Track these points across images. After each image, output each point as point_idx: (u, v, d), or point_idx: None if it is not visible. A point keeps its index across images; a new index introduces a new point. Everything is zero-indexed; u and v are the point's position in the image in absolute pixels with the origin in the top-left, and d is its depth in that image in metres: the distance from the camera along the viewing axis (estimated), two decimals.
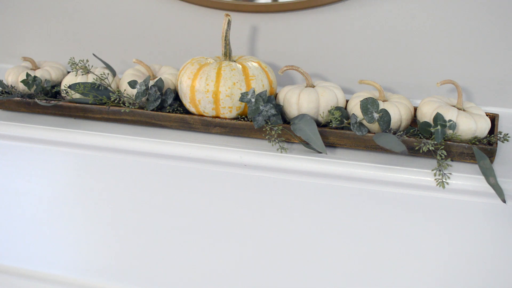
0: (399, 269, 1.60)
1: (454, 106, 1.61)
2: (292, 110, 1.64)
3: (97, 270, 1.92)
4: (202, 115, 1.70)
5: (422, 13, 1.77)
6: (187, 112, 1.74)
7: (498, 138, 1.58)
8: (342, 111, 1.60)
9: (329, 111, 1.61)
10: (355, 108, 1.60)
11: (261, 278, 1.73)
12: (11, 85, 1.86)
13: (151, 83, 1.75)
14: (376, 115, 1.54)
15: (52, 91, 1.86)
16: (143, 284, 1.89)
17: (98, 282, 1.95)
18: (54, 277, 1.98)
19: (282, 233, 1.66)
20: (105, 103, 1.77)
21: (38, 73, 1.86)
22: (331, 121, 1.60)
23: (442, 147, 1.52)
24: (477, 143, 1.53)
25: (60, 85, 1.87)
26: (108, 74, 1.82)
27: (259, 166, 1.60)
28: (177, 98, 1.77)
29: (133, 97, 1.74)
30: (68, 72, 1.93)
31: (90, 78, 1.80)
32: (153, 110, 1.73)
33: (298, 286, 1.72)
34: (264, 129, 1.63)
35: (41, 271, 1.99)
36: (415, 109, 1.69)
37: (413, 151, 1.55)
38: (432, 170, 1.49)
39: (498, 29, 1.73)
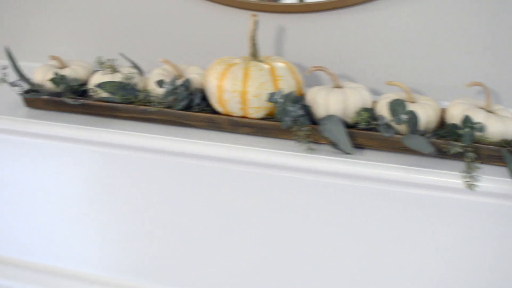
0: (429, 271, 1.60)
1: (482, 108, 1.60)
2: (319, 111, 1.64)
3: (123, 268, 1.93)
4: (230, 115, 1.70)
5: (450, 14, 1.76)
6: (214, 112, 1.75)
7: None
8: (370, 112, 1.60)
9: (357, 112, 1.60)
10: (383, 110, 1.60)
11: (290, 279, 1.74)
12: (39, 84, 1.87)
13: (179, 82, 1.75)
14: (404, 117, 1.54)
15: (79, 89, 1.87)
16: (166, 282, 1.90)
17: (124, 280, 1.96)
18: (81, 274, 2.00)
19: (309, 234, 1.66)
20: (132, 102, 1.77)
21: (66, 72, 1.87)
22: (358, 122, 1.60)
23: (471, 149, 1.51)
24: (506, 145, 1.52)
25: (87, 84, 1.87)
26: (135, 73, 1.83)
27: (287, 166, 1.60)
28: (204, 98, 1.77)
29: (161, 97, 1.75)
30: (96, 71, 1.93)
31: (117, 77, 1.80)
32: (180, 109, 1.73)
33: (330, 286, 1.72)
34: (291, 130, 1.63)
35: (68, 268, 2.01)
36: (443, 111, 1.68)
37: (441, 153, 1.55)
38: (461, 173, 1.48)
39: None
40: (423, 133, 1.56)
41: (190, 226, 1.77)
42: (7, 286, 2.09)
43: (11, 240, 2.03)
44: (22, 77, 1.86)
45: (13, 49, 2.17)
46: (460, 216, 1.52)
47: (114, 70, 1.80)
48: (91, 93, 1.82)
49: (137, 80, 1.81)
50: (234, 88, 1.64)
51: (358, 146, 1.61)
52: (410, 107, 1.58)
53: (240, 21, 1.96)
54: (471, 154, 1.49)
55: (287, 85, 1.65)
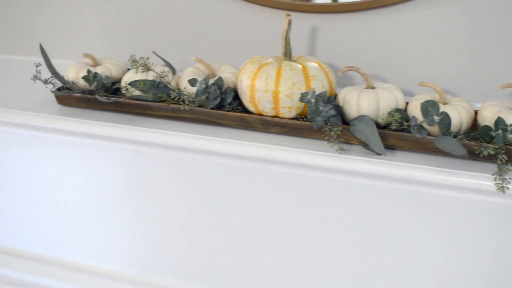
0: (460, 272, 1.60)
1: None
2: (351, 111, 1.64)
3: (150, 266, 1.94)
4: (262, 115, 1.71)
5: (485, 15, 1.75)
6: (246, 111, 1.75)
7: None
8: (402, 113, 1.60)
9: (389, 113, 1.60)
10: (415, 111, 1.60)
11: (322, 277, 1.74)
12: (72, 81, 1.89)
13: (211, 81, 1.76)
14: (436, 118, 1.54)
15: (112, 87, 1.88)
16: (194, 281, 1.91)
17: (152, 278, 1.97)
18: (109, 272, 2.01)
19: (341, 234, 1.66)
20: (164, 100, 1.78)
21: (98, 70, 1.88)
22: (390, 123, 1.60)
23: (503, 151, 1.50)
24: None
25: (120, 82, 1.89)
26: (168, 72, 1.83)
27: (318, 166, 1.60)
28: (236, 97, 1.78)
29: (193, 95, 1.76)
30: (128, 69, 1.95)
31: (150, 76, 1.81)
32: (212, 108, 1.74)
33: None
34: (323, 130, 1.63)
35: (97, 265, 2.02)
36: (476, 112, 1.67)
37: (473, 155, 1.54)
38: (493, 175, 1.48)
39: None
40: (455, 135, 1.56)
41: (219, 225, 1.77)
42: (36, 283, 2.10)
43: (39, 237, 2.05)
44: (55, 74, 1.88)
45: (46, 47, 2.18)
46: (492, 219, 1.51)
47: (146, 68, 1.81)
48: (123, 91, 1.83)
49: (169, 78, 1.81)
50: (267, 87, 1.65)
51: (390, 147, 1.60)
52: (443, 108, 1.57)
53: (273, 20, 1.97)
54: (503, 156, 1.48)
55: (320, 85, 1.66)
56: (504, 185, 1.47)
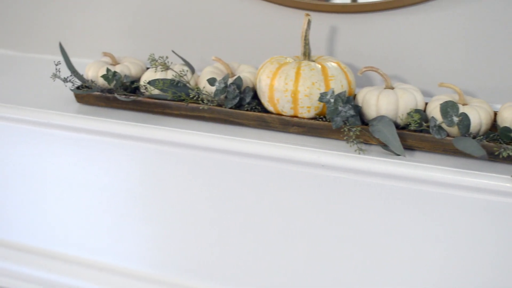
0: (477, 272, 1.59)
1: None
2: (370, 111, 1.64)
3: (169, 265, 1.95)
4: (280, 114, 1.71)
5: (506, 16, 1.75)
6: (265, 110, 1.76)
7: None
8: (422, 114, 1.59)
9: (408, 114, 1.60)
10: (434, 111, 1.60)
11: (336, 277, 1.74)
12: (91, 80, 1.89)
13: (230, 81, 1.77)
14: (455, 119, 1.54)
15: (131, 86, 1.89)
16: (213, 280, 1.91)
17: (170, 277, 1.97)
18: (130, 271, 2.01)
19: (359, 234, 1.66)
20: (183, 99, 1.79)
21: (118, 69, 1.89)
22: (410, 124, 1.60)
23: None
24: None
25: (139, 81, 1.89)
26: (187, 71, 1.84)
27: (337, 166, 1.60)
28: (255, 96, 1.78)
29: (212, 95, 1.76)
30: (147, 68, 1.95)
31: (169, 75, 1.82)
32: (231, 108, 1.75)
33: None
34: (342, 130, 1.63)
35: (116, 264, 2.02)
36: (495, 113, 1.67)
37: (492, 156, 1.54)
38: None
39: None
40: (474, 136, 1.56)
41: (237, 224, 1.78)
42: (59, 282, 2.11)
43: (58, 236, 2.06)
44: (75, 73, 1.89)
45: (66, 45, 2.19)
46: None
47: (166, 67, 1.81)
48: (142, 90, 1.84)
49: (188, 77, 1.82)
50: (286, 87, 1.65)
51: (408, 147, 1.60)
52: (462, 109, 1.57)
53: (293, 20, 1.97)
54: None
55: (339, 85, 1.66)
56: None
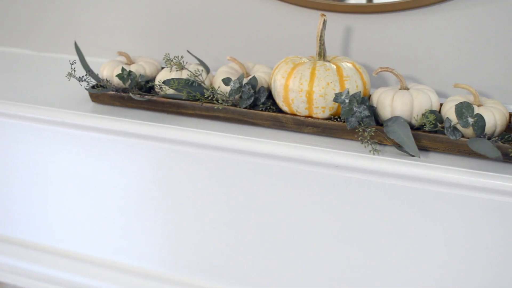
0: (490, 273, 1.59)
1: None
2: (385, 112, 1.64)
3: (180, 265, 1.95)
4: (295, 114, 1.71)
5: None
6: (279, 110, 1.76)
7: None
8: (436, 115, 1.59)
9: (423, 114, 1.60)
10: (449, 112, 1.59)
11: (351, 277, 1.74)
12: (106, 79, 1.90)
13: (245, 81, 1.77)
14: (470, 120, 1.53)
15: (146, 86, 1.89)
16: (224, 280, 1.92)
17: (182, 277, 1.98)
18: (144, 270, 2.02)
19: (374, 234, 1.66)
20: (198, 99, 1.79)
21: (133, 68, 1.89)
22: (424, 124, 1.60)
23: None
24: None
25: (154, 81, 1.90)
26: (202, 70, 1.84)
27: (351, 167, 1.60)
28: (270, 96, 1.78)
29: (227, 94, 1.76)
30: (162, 68, 1.96)
31: (184, 74, 1.82)
32: (246, 108, 1.75)
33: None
34: (356, 131, 1.63)
35: (127, 263, 2.03)
36: (510, 115, 1.66)
37: (507, 158, 1.54)
38: None
39: None
40: (489, 137, 1.55)
41: (250, 224, 1.78)
42: (75, 281, 2.12)
43: (74, 235, 2.07)
44: (90, 72, 1.90)
45: (81, 45, 2.20)
46: None
47: (181, 67, 1.82)
48: (157, 90, 1.84)
49: (203, 77, 1.82)
50: (301, 87, 1.65)
51: (423, 148, 1.60)
52: (477, 110, 1.57)
53: (308, 20, 1.97)
54: None
55: (354, 86, 1.66)
56: None
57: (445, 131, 1.56)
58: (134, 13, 2.22)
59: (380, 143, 1.63)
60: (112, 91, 1.86)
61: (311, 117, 1.69)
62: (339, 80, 1.65)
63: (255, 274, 1.85)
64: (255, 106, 1.75)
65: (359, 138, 1.62)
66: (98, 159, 1.88)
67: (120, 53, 1.94)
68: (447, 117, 1.58)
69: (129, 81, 1.84)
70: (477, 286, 1.61)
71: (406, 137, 1.56)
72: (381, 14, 1.88)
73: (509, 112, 1.67)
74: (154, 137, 1.77)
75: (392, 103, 1.62)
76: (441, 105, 1.70)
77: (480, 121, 1.52)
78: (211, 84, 1.84)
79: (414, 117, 1.61)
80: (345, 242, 1.69)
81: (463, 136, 1.57)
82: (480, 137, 1.54)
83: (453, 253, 1.59)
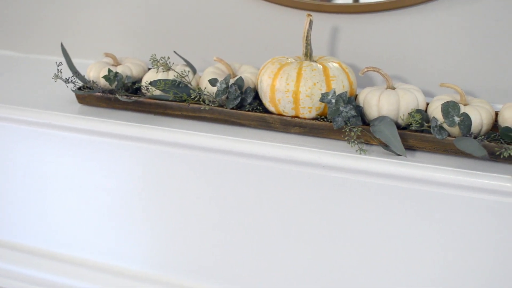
0: (478, 271, 1.59)
1: None
2: (372, 111, 1.64)
3: (171, 266, 1.95)
4: (282, 115, 1.71)
5: (507, 15, 1.75)
6: (266, 111, 1.76)
7: None
8: (423, 114, 1.59)
9: (410, 114, 1.60)
10: (435, 111, 1.60)
11: (338, 277, 1.74)
12: (92, 81, 1.90)
13: (232, 81, 1.77)
14: (457, 119, 1.53)
15: (132, 87, 1.89)
16: (215, 281, 1.91)
17: (173, 278, 1.97)
18: (132, 272, 2.02)
19: (360, 235, 1.66)
20: (185, 100, 1.79)
21: (119, 69, 1.89)
22: (411, 124, 1.60)
23: None
24: None
25: (140, 82, 1.90)
26: (188, 71, 1.84)
27: (338, 167, 1.60)
28: (256, 97, 1.78)
29: (213, 95, 1.76)
30: (149, 69, 1.96)
31: (170, 75, 1.82)
32: (232, 108, 1.75)
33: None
34: (343, 130, 1.63)
35: (117, 265, 2.02)
36: (496, 113, 1.67)
37: (493, 156, 1.54)
38: None
39: None
40: (475, 136, 1.56)
41: (237, 225, 1.78)
42: (60, 282, 2.12)
43: (59, 236, 2.06)
44: (76, 73, 1.89)
45: (67, 46, 2.19)
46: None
47: (167, 68, 1.82)
48: (144, 91, 1.84)
49: (190, 78, 1.82)
50: (287, 87, 1.65)
51: (410, 148, 1.60)
52: (464, 109, 1.57)
53: (294, 20, 1.97)
54: None
55: (340, 86, 1.66)
56: None
57: (432, 131, 1.56)
58: (121, 14, 2.22)
59: (367, 143, 1.63)
60: (99, 92, 1.86)
61: (298, 117, 1.69)
62: (325, 80, 1.65)
63: (244, 274, 1.85)
64: (241, 106, 1.75)
65: (346, 138, 1.62)
66: (85, 160, 1.88)
67: (107, 55, 1.94)
68: (434, 117, 1.58)
69: (116, 82, 1.83)
70: (466, 286, 1.60)
71: (393, 137, 1.56)
72: (367, 14, 1.88)
73: (495, 111, 1.66)
74: (140, 138, 1.76)
75: (378, 102, 1.62)
76: (427, 104, 1.70)
77: (466, 120, 1.53)
78: (197, 85, 1.83)
79: (400, 117, 1.62)
80: (333, 242, 1.69)
81: (449, 135, 1.57)
82: (466, 136, 1.54)
83: (441, 252, 1.59)
